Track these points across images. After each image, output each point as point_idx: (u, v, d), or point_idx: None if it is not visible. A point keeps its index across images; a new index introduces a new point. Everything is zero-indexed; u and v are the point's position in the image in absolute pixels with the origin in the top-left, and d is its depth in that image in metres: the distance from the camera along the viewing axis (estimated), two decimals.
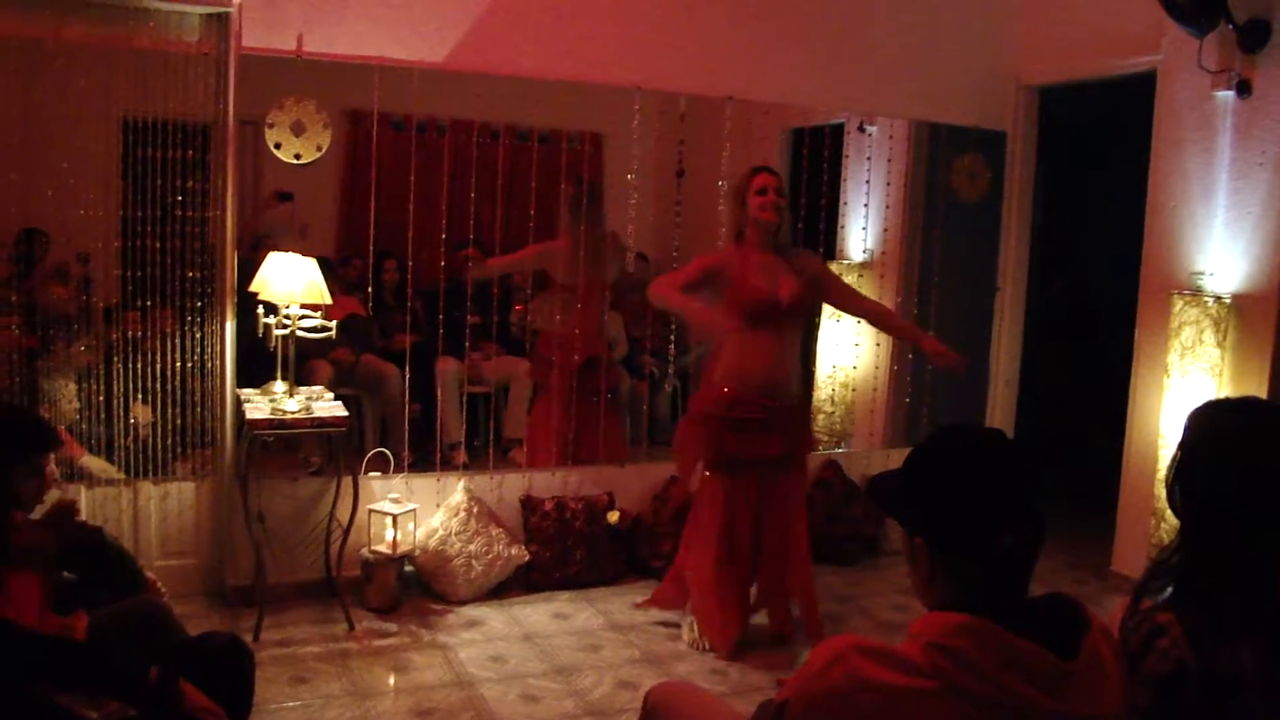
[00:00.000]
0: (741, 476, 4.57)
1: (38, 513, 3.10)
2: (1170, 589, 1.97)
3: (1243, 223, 4.95)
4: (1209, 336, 4.94)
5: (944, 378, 6.24)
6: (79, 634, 2.77)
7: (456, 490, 5.16)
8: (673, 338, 6.26)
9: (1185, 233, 5.21)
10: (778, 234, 4.53)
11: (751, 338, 4.45)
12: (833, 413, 6.61)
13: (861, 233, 6.38)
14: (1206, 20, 4.83)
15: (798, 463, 4.72)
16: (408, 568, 5.03)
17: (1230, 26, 4.82)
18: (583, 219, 5.62)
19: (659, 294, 4.49)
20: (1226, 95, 4.97)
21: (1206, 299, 4.98)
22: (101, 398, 4.70)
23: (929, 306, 6.25)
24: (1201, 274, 5.09)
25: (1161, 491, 4.80)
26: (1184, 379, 5.04)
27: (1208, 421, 2.05)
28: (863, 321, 5.60)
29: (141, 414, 4.76)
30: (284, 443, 4.86)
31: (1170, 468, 2.06)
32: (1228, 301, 4.94)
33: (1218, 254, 5.05)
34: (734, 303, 4.42)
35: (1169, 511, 2.12)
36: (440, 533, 5.02)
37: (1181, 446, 2.06)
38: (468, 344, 5.54)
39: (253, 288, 4.59)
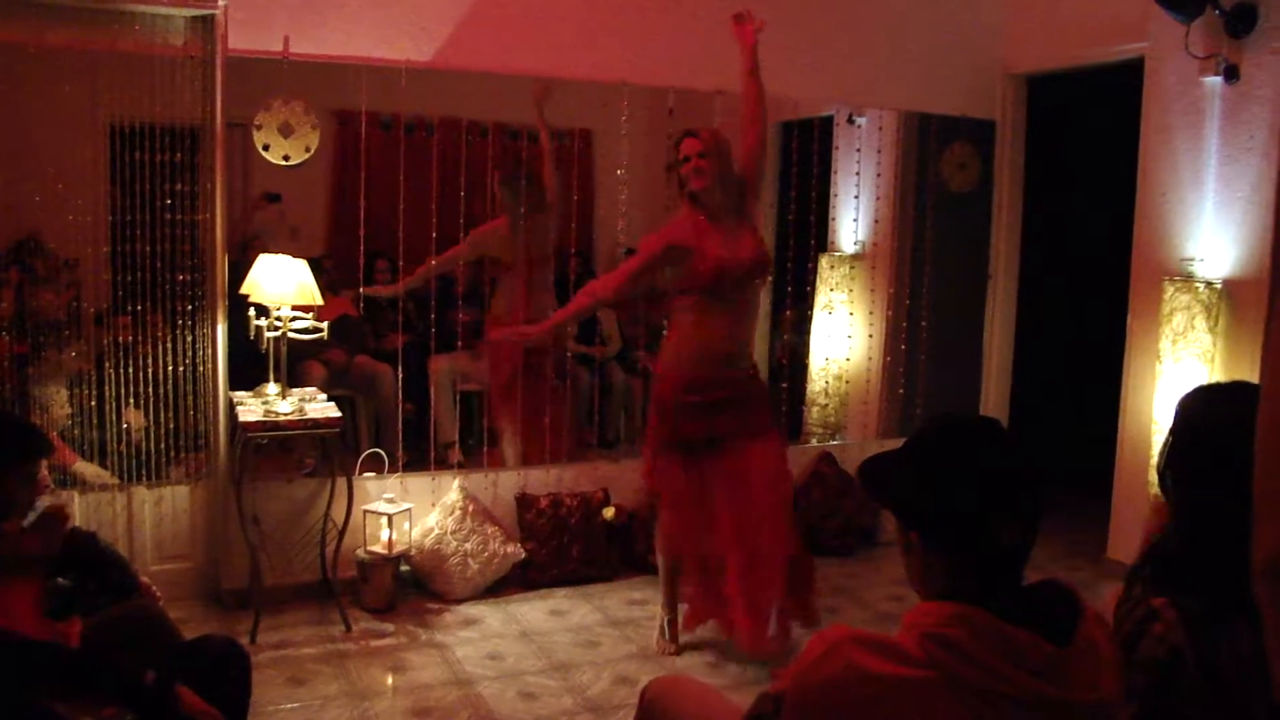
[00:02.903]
0: (697, 457, 4.34)
1: (29, 519, 3.08)
2: (1164, 574, 1.98)
3: (1232, 208, 4.96)
4: (1200, 322, 4.95)
5: (937, 367, 6.27)
6: (74, 640, 2.77)
7: (451, 489, 5.16)
8: (664, 332, 6.25)
9: (1175, 219, 5.22)
10: (714, 197, 4.28)
11: (710, 309, 4.26)
12: (826, 405, 6.60)
13: (852, 224, 6.38)
14: (1193, 6, 4.83)
15: (764, 436, 4.39)
16: (404, 567, 5.02)
17: (1216, 12, 4.82)
18: (521, 200, 5.59)
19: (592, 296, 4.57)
20: (1214, 81, 4.98)
21: (1197, 285, 4.99)
22: (93, 403, 4.69)
23: (921, 296, 6.26)
24: (1192, 260, 5.10)
25: (1155, 477, 4.81)
26: (1176, 365, 5.04)
27: (1198, 406, 2.05)
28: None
29: (134, 418, 4.75)
30: (278, 444, 4.85)
31: (1162, 453, 2.07)
32: (1218, 287, 4.95)
33: (1208, 239, 5.06)
34: (697, 272, 4.21)
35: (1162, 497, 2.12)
36: (436, 532, 5.01)
37: (1173, 432, 2.07)
38: (460, 343, 5.54)
39: (243, 290, 4.59)
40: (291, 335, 4.57)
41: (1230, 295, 4.93)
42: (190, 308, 4.74)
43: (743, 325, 4.36)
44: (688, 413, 4.31)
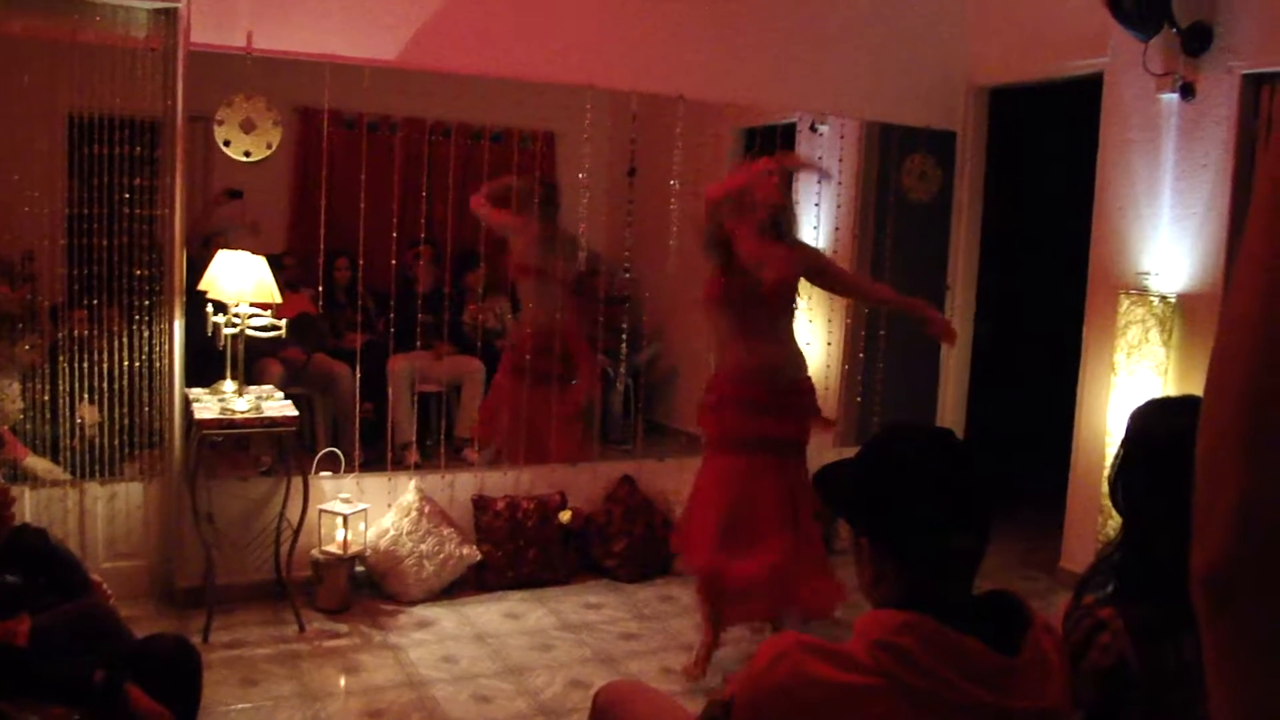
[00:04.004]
0: (739, 456, 4.42)
1: None
2: (1112, 585, 2.00)
3: (1187, 223, 5.03)
4: (1155, 335, 5.01)
5: (895, 376, 6.30)
6: (22, 638, 2.74)
7: (408, 490, 5.14)
8: (624, 337, 6.26)
9: (1131, 233, 5.28)
10: (766, 224, 4.38)
11: (728, 327, 4.44)
12: None
13: (813, 232, 6.41)
14: (1150, 24, 4.90)
15: (799, 449, 4.58)
16: (359, 568, 5.00)
17: (1174, 30, 4.89)
18: (536, 214, 5.63)
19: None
20: (1171, 98, 5.04)
21: (1152, 298, 5.05)
22: (47, 398, 4.64)
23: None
24: (1147, 274, 5.16)
25: (1108, 488, 4.85)
26: (1131, 377, 5.11)
27: (1149, 420, 2.08)
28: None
29: (88, 414, 4.70)
30: (233, 442, 4.82)
31: (1114, 465, 2.09)
32: (1173, 301, 5.01)
33: (1163, 254, 5.12)
34: (707, 294, 4.43)
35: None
36: (391, 533, 4.99)
37: (1125, 444, 2.09)
38: (419, 343, 5.53)
39: (202, 286, 4.56)
40: (249, 333, 4.54)
41: (1184, 309, 5.00)
42: (147, 303, 4.70)
43: (761, 343, 4.42)
44: (733, 410, 4.41)
